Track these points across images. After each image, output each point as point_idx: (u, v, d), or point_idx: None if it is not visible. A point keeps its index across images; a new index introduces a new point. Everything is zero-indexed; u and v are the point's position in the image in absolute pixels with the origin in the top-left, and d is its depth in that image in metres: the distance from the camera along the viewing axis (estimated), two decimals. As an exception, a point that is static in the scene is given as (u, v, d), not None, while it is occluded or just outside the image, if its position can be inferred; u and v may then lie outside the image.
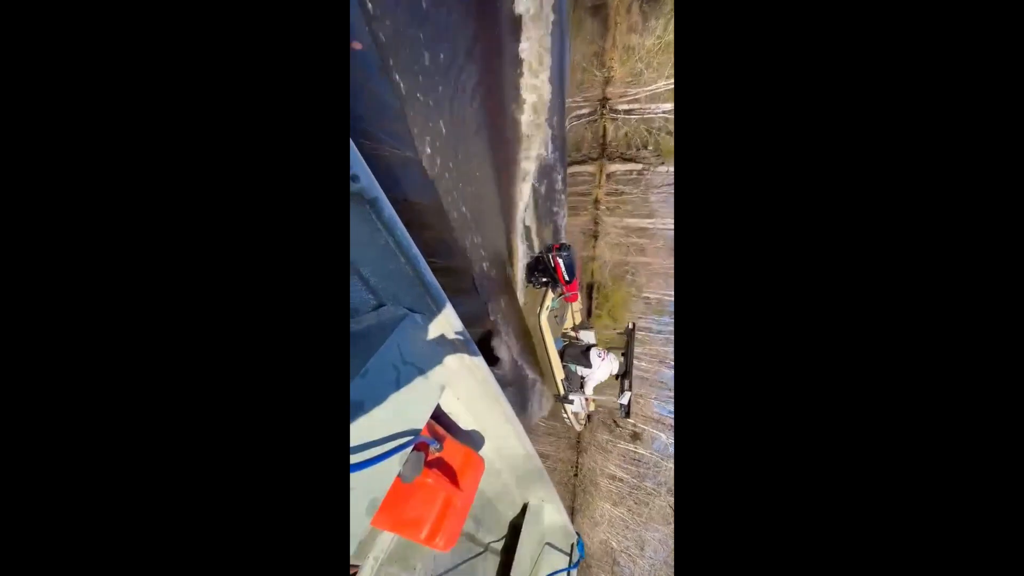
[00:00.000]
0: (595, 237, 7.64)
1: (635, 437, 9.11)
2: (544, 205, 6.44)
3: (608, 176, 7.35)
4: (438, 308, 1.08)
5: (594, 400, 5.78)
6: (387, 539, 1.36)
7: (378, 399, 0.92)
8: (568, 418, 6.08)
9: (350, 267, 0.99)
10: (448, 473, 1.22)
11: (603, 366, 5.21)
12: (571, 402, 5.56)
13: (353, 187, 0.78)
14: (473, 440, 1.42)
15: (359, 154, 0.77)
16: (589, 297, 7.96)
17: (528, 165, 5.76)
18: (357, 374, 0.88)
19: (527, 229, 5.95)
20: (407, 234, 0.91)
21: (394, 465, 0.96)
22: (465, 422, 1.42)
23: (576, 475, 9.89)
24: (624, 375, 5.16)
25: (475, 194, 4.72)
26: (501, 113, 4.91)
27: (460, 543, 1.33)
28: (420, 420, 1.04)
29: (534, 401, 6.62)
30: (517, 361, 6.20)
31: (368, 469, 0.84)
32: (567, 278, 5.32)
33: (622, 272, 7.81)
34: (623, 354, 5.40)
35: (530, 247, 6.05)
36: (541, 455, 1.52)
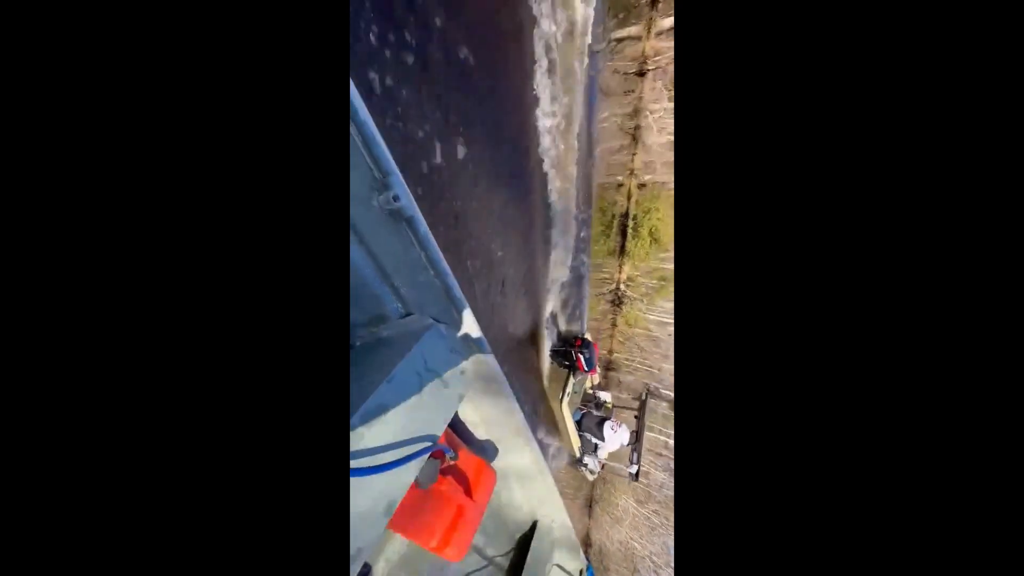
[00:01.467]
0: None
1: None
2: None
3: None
4: (461, 320, 1.13)
5: (606, 464, 6.40)
6: (399, 544, 1.38)
7: (401, 404, 0.96)
8: (582, 471, 6.70)
9: (383, 277, 1.05)
10: (461, 482, 1.24)
11: (614, 439, 5.89)
12: (586, 465, 6.28)
13: (394, 205, 0.84)
14: (486, 452, 1.44)
15: (400, 177, 0.83)
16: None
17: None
18: (384, 379, 0.92)
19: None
20: (439, 250, 0.97)
21: (412, 470, 0.99)
22: (479, 433, 1.45)
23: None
24: (635, 445, 5.84)
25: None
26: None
27: (467, 555, 1.34)
28: (439, 427, 1.07)
29: (547, 459, 7.04)
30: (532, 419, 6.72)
31: (387, 472, 0.88)
32: (586, 368, 6.10)
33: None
34: (636, 416, 6.13)
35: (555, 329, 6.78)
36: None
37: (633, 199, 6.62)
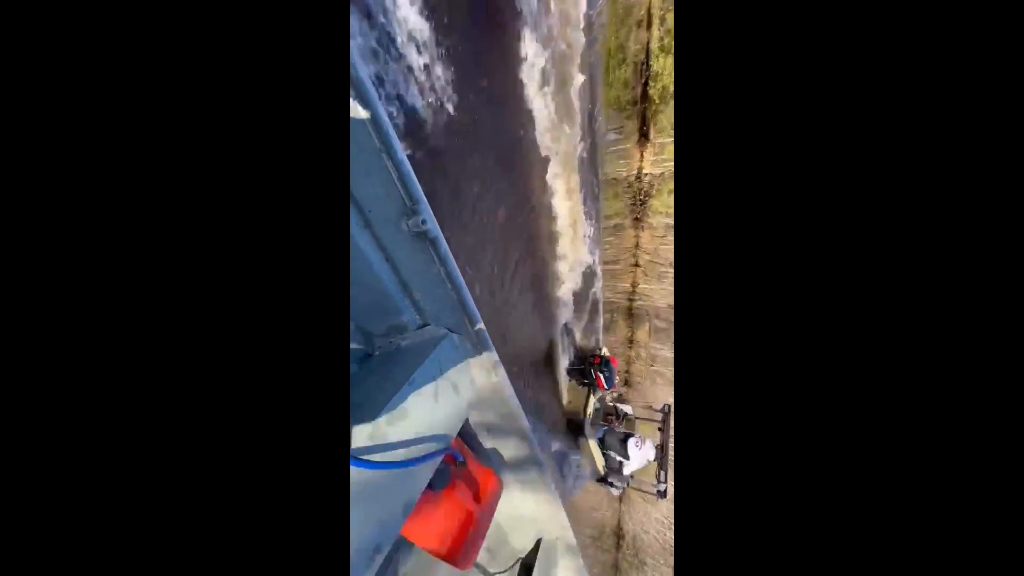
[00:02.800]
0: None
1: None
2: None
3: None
4: (475, 334, 1.23)
5: (630, 482, 6.22)
6: (414, 555, 1.40)
7: (419, 407, 1.04)
8: (608, 490, 6.57)
9: (405, 290, 1.16)
10: (471, 487, 1.29)
11: (639, 456, 5.74)
12: (611, 483, 6.11)
13: (421, 228, 0.98)
14: (492, 461, 1.50)
15: (427, 202, 0.98)
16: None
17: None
18: (405, 381, 1.01)
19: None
20: (456, 267, 1.09)
21: (428, 470, 1.05)
22: (486, 440, 1.51)
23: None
24: (661, 460, 5.72)
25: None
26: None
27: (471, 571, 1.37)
28: (452, 430, 1.14)
29: (569, 476, 6.84)
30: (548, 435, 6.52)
31: (404, 470, 0.94)
32: (607, 386, 5.99)
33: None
34: (660, 429, 5.97)
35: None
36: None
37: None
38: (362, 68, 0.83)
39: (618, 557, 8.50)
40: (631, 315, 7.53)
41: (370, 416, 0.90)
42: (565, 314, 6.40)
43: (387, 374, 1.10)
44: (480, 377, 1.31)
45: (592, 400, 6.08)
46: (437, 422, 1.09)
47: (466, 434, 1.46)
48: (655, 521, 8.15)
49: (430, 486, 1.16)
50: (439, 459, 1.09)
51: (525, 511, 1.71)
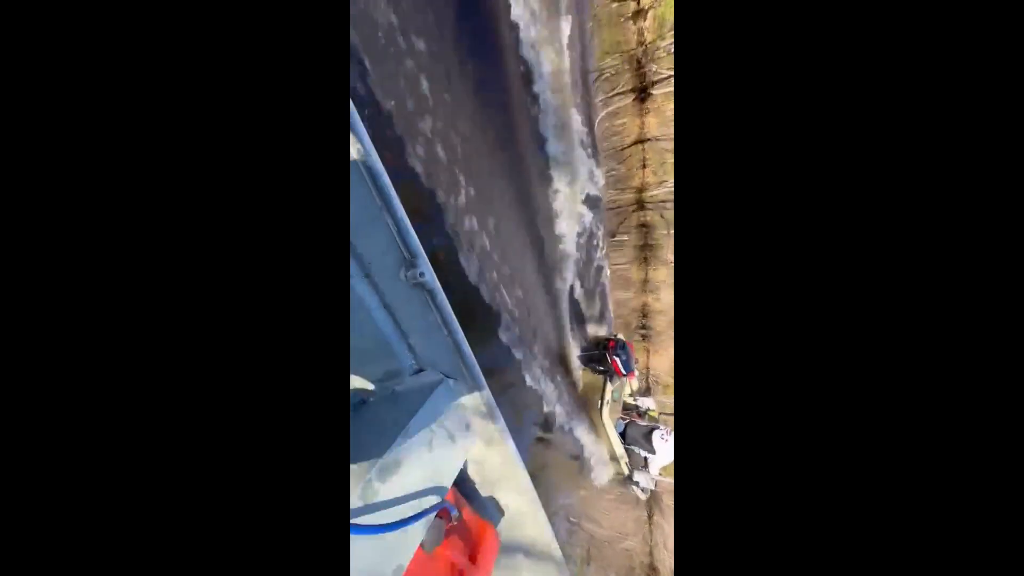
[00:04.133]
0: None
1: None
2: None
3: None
4: (472, 377, 1.18)
5: (659, 481, 5.68)
6: None
7: (414, 458, 0.98)
8: (634, 491, 6.00)
9: (402, 336, 1.13)
10: (466, 543, 1.21)
11: (666, 449, 5.20)
12: (637, 483, 5.55)
13: (419, 280, 0.97)
14: (489, 511, 1.42)
15: (426, 258, 1.03)
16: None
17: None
18: (400, 432, 0.96)
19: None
20: (453, 315, 1.07)
21: (420, 529, 0.99)
22: (484, 490, 1.43)
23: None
24: None
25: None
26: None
27: None
28: (447, 481, 1.08)
29: (587, 470, 6.38)
30: (565, 427, 6.08)
31: (395, 533, 0.88)
32: (624, 372, 5.44)
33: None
34: None
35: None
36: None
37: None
38: (364, 136, 0.87)
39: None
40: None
41: (361, 473, 0.85)
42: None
43: (381, 424, 1.05)
44: (477, 424, 1.25)
45: (609, 389, 5.57)
46: (431, 474, 1.03)
47: (461, 482, 1.38)
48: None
49: (423, 546, 1.09)
50: (431, 515, 1.02)
51: (523, 564, 1.61)
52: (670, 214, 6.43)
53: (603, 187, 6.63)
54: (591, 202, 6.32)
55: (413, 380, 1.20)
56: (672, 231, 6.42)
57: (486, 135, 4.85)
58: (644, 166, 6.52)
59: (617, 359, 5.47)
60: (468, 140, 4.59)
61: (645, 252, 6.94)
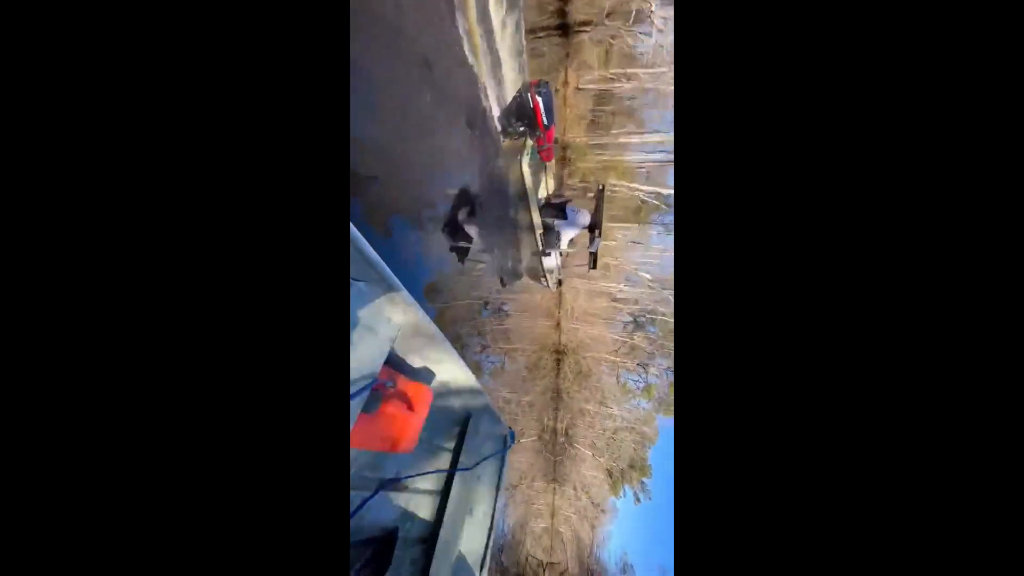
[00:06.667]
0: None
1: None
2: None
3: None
4: (385, 279, 1.32)
5: (569, 252, 6.28)
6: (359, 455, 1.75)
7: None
8: (544, 279, 6.74)
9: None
10: (404, 402, 1.58)
11: (577, 218, 5.83)
12: (548, 255, 6.15)
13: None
14: (422, 376, 1.77)
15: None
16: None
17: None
18: None
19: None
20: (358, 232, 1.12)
21: (356, 406, 1.27)
22: (416, 362, 1.76)
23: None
24: (593, 226, 5.82)
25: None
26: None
27: (420, 446, 1.74)
28: (375, 368, 1.33)
29: (509, 269, 7.18)
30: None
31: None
32: (546, 122, 5.34)
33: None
34: (595, 210, 5.97)
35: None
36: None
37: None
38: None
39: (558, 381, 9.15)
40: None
41: None
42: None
43: None
44: (397, 316, 1.46)
45: (528, 143, 5.47)
46: (360, 365, 1.26)
47: (394, 362, 1.68)
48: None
49: (364, 411, 1.41)
50: (366, 393, 1.30)
51: (456, 400, 2.07)
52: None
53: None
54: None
55: None
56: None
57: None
58: None
59: (539, 98, 5.26)
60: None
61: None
